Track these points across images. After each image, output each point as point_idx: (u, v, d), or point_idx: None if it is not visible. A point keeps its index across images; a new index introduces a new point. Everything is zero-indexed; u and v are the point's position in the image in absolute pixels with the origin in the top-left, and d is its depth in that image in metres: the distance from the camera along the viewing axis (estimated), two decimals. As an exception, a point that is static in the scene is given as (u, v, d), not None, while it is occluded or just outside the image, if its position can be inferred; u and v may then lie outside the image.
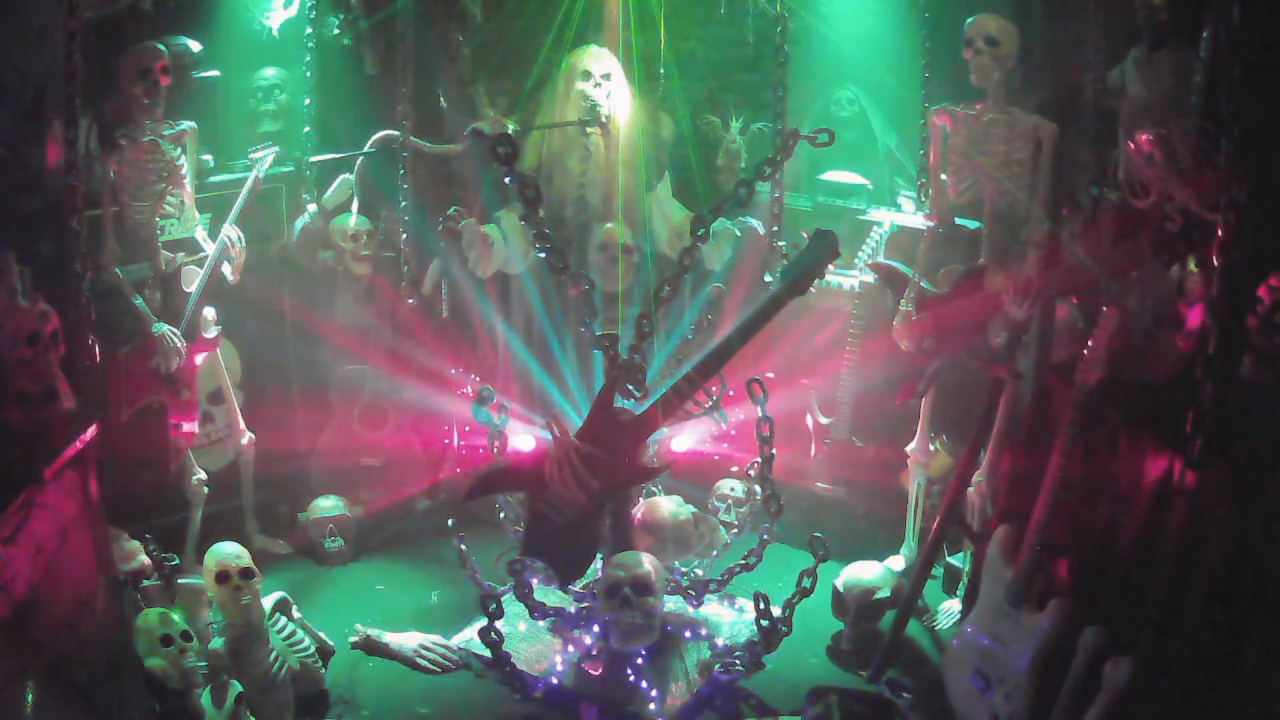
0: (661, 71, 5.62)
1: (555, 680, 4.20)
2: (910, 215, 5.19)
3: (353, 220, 5.37)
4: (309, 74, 5.39)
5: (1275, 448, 3.36)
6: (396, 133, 5.33)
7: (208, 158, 5.09)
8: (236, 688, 3.88)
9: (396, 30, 5.33)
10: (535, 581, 4.59)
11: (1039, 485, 3.91)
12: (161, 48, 4.59)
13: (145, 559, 4.38)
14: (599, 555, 4.43)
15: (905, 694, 4.19)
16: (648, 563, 4.25)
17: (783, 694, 4.19)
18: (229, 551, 4.15)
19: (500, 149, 3.96)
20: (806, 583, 4.30)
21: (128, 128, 4.58)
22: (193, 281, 4.73)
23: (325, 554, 5.09)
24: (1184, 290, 3.81)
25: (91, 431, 3.96)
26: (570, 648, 4.35)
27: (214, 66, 5.15)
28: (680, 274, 4.20)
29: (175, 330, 4.64)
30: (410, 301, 5.44)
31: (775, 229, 5.36)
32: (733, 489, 5.32)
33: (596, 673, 4.23)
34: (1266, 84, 3.40)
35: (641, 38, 5.52)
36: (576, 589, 4.51)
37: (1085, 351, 3.87)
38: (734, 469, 5.37)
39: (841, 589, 4.47)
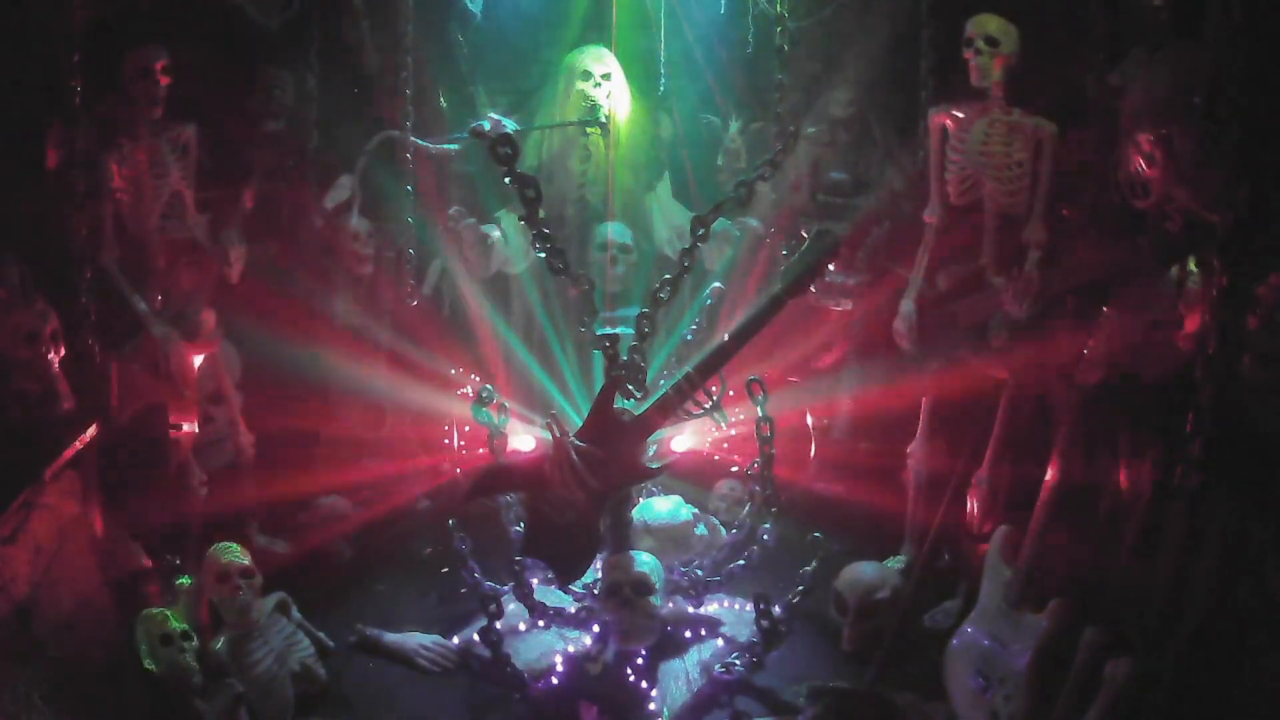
0: (662, 71, 5.63)
1: (555, 680, 4.20)
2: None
3: (353, 220, 5.37)
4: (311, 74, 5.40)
5: (1275, 448, 3.36)
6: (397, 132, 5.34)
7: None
8: (236, 688, 3.89)
9: (396, 30, 5.33)
10: (535, 581, 4.59)
11: (1039, 485, 3.91)
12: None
13: (145, 559, 4.38)
14: (599, 555, 4.43)
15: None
16: (647, 563, 4.26)
17: (783, 694, 4.19)
18: (229, 552, 4.16)
19: (500, 149, 3.96)
20: (807, 583, 4.31)
21: (128, 128, 4.58)
22: None
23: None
24: (1184, 290, 3.81)
25: (91, 431, 3.97)
26: (570, 648, 4.35)
27: (213, 66, 5.15)
28: (680, 274, 4.20)
29: (175, 330, 4.65)
30: (413, 303, 5.44)
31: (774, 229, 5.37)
32: (732, 489, 5.33)
33: (597, 673, 4.23)
34: (1266, 84, 3.40)
35: (641, 38, 5.53)
36: (576, 589, 4.51)
37: (1085, 351, 3.87)
38: (734, 469, 5.38)
39: (841, 589, 4.47)
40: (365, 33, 5.56)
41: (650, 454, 4.34)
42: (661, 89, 5.70)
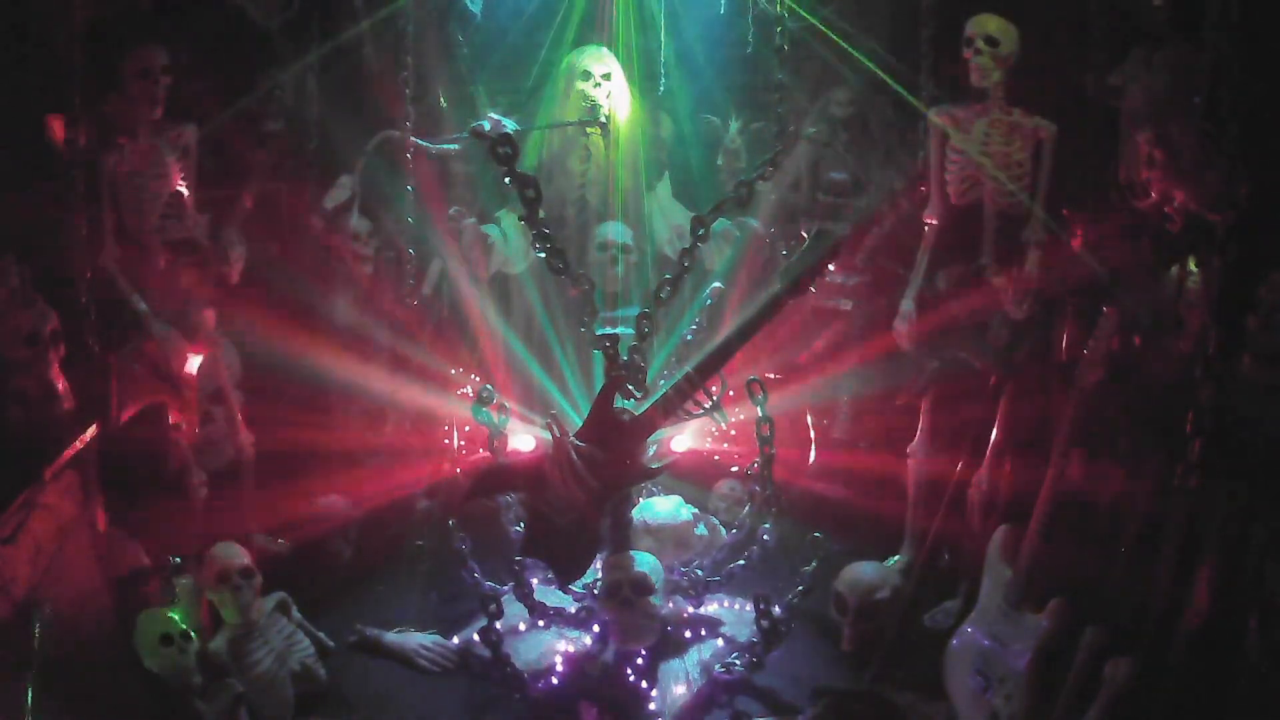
0: (662, 71, 5.62)
1: (555, 680, 4.20)
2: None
3: (353, 220, 5.37)
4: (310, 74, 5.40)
5: (1275, 447, 3.36)
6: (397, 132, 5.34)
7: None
8: (236, 688, 3.89)
9: (396, 30, 5.33)
10: (535, 581, 4.59)
11: (1039, 485, 3.91)
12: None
13: (145, 559, 4.38)
14: (599, 555, 4.43)
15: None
16: (647, 563, 4.26)
17: (783, 694, 4.19)
18: (229, 551, 4.16)
19: (500, 149, 3.96)
20: (807, 583, 4.30)
21: (128, 128, 4.57)
22: None
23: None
24: (1184, 290, 3.81)
25: (91, 431, 3.96)
26: (570, 648, 4.35)
27: (213, 66, 5.15)
28: (680, 274, 4.20)
29: (175, 330, 4.64)
30: (413, 303, 5.44)
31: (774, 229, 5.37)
32: (732, 489, 5.32)
33: (597, 673, 4.23)
34: (1266, 83, 3.40)
35: (641, 38, 5.52)
36: (576, 589, 4.51)
37: (1085, 351, 3.86)
38: (734, 469, 5.38)
39: (841, 589, 4.47)
40: (365, 33, 5.56)
41: (650, 454, 4.34)
42: (661, 89, 5.70)
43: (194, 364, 4.74)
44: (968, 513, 4.55)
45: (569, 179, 5.41)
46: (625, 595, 4.16)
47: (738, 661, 4.23)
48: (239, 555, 4.15)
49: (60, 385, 4.00)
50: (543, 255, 4.17)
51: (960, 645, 4.03)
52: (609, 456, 4.08)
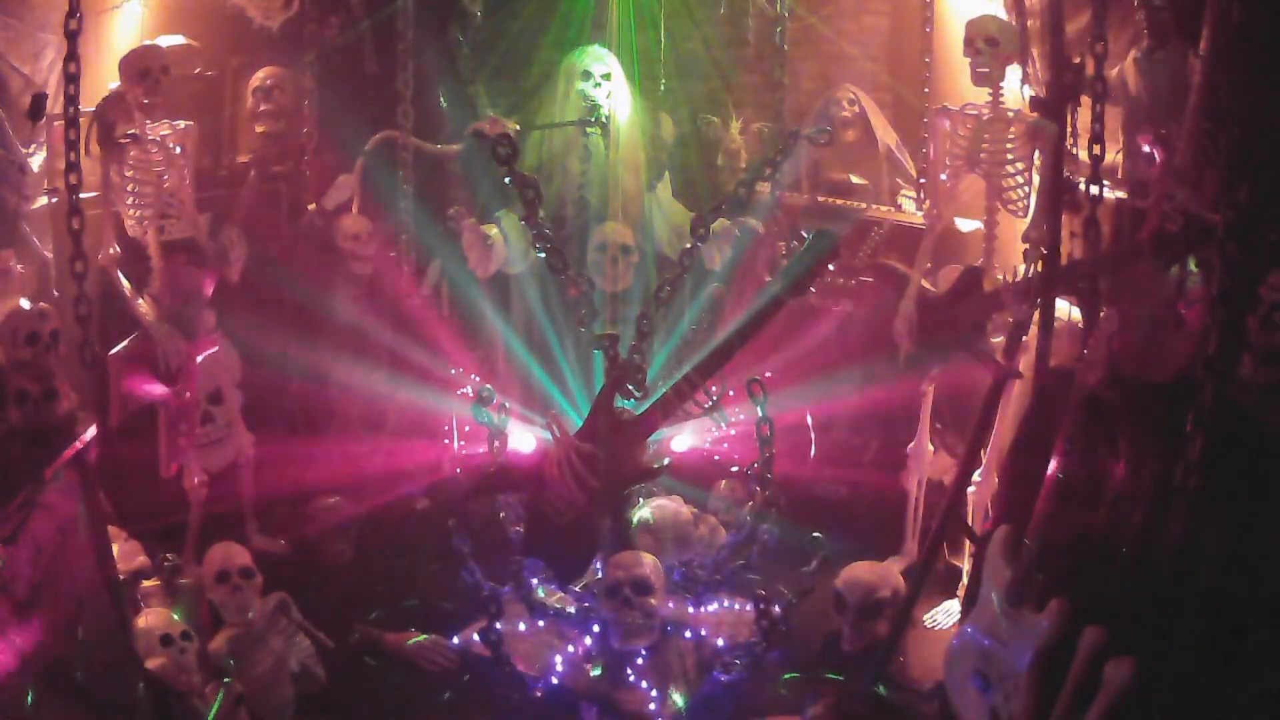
0: (661, 73, 5.63)
1: (555, 680, 4.20)
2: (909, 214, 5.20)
3: (352, 220, 5.37)
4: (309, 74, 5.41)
5: (1275, 447, 3.36)
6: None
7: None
8: (236, 688, 3.88)
9: (396, 30, 5.33)
10: (535, 581, 4.59)
11: (1039, 485, 3.91)
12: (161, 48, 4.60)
13: (145, 559, 4.38)
14: (599, 555, 4.43)
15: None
16: (648, 563, 4.25)
17: (783, 694, 4.19)
18: (229, 551, 4.16)
19: (500, 149, 3.96)
20: (807, 583, 4.30)
21: (129, 127, 4.57)
22: None
23: None
24: (1184, 290, 3.81)
25: (91, 431, 3.96)
26: (570, 648, 4.35)
27: (214, 67, 5.16)
28: (680, 274, 4.20)
29: (175, 330, 4.64)
30: (413, 303, 5.44)
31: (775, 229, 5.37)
32: (732, 489, 5.32)
33: (596, 672, 4.23)
34: (1266, 84, 3.40)
35: (641, 38, 5.53)
36: (576, 589, 4.51)
37: (1085, 351, 3.86)
38: (734, 469, 5.38)
39: (841, 589, 4.47)
40: (365, 33, 5.57)
41: (650, 454, 4.34)
42: (661, 89, 5.71)
43: (194, 364, 4.74)
44: (968, 513, 4.55)
45: (569, 179, 5.42)
46: (625, 595, 4.16)
47: (738, 661, 4.23)
48: (239, 555, 4.15)
49: (60, 385, 4.00)
50: (543, 255, 4.17)
51: (960, 645, 4.03)
52: (609, 456, 4.08)
